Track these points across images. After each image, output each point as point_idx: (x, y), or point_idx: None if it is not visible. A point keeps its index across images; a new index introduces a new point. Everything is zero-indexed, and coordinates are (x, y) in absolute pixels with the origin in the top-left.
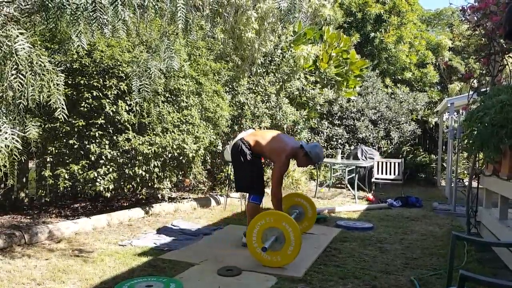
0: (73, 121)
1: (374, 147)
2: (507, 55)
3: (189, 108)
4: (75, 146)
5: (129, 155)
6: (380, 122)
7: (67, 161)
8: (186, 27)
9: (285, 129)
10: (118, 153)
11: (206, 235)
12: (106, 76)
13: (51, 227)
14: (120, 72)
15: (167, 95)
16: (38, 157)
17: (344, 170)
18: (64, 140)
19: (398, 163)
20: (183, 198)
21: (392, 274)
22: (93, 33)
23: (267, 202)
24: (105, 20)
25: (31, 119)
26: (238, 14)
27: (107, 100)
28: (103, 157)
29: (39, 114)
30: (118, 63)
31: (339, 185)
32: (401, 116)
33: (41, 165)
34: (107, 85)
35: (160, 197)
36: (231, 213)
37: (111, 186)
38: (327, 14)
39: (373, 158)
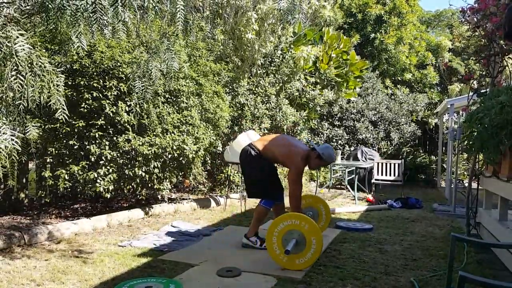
0: (73, 122)
1: (374, 148)
2: (507, 56)
3: (189, 109)
4: (75, 147)
5: (129, 156)
6: (380, 123)
7: (67, 162)
8: (186, 28)
9: (285, 130)
10: (118, 154)
11: (205, 236)
12: (106, 77)
13: (50, 227)
14: (120, 73)
15: (167, 96)
16: (38, 157)
17: (344, 171)
18: (64, 141)
19: (398, 164)
20: (183, 199)
21: (392, 275)
22: (93, 34)
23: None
24: (105, 21)
25: (31, 120)
26: (238, 15)
27: (107, 101)
28: (103, 157)
29: (39, 115)
30: (118, 64)
31: (339, 186)
32: (401, 117)
33: (41, 165)
34: (107, 86)
35: (160, 198)
36: (231, 214)
37: (111, 187)
38: (327, 15)
39: (373, 159)
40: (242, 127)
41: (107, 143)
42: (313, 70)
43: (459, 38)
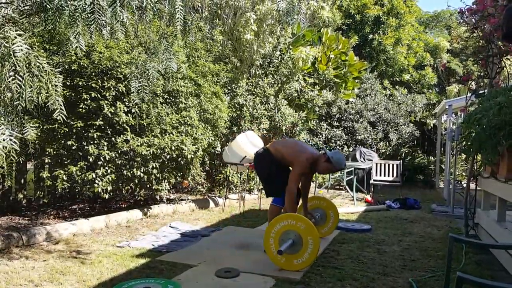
0: (72, 123)
1: (373, 149)
2: (505, 57)
3: (187, 109)
4: (74, 147)
5: (127, 157)
6: (378, 123)
7: (65, 162)
8: (185, 28)
9: (283, 131)
10: (117, 155)
11: (204, 236)
12: (105, 78)
13: (49, 228)
14: (118, 73)
15: (165, 96)
16: (36, 158)
17: (342, 172)
18: (63, 141)
19: (397, 164)
20: (182, 200)
21: (390, 276)
22: (92, 35)
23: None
24: (103, 22)
25: (29, 120)
26: (237, 16)
27: (106, 102)
28: (101, 158)
29: (37, 116)
30: (117, 64)
31: (338, 187)
32: (399, 118)
33: (39, 166)
34: (106, 87)
35: (158, 198)
36: (230, 215)
37: (109, 188)
38: (325, 16)
39: (372, 160)
40: (240, 127)
41: (105, 143)
42: (311, 71)
43: (457, 39)
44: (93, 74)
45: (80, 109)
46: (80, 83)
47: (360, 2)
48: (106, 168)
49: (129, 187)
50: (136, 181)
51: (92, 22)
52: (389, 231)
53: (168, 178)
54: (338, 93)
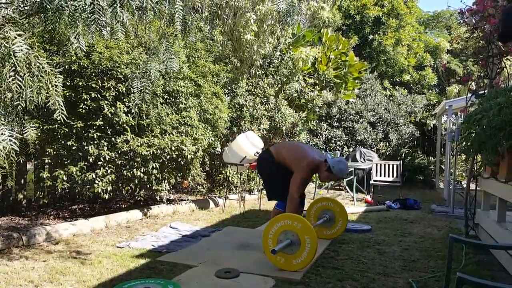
0: (72, 123)
1: (373, 149)
2: (505, 58)
3: (187, 109)
4: (73, 148)
5: (127, 157)
6: (378, 124)
7: (65, 163)
8: (185, 29)
9: (284, 131)
10: (117, 155)
11: (204, 237)
12: (105, 78)
13: (49, 228)
14: (118, 73)
15: (165, 96)
16: (36, 158)
17: None
18: (63, 142)
19: (397, 165)
20: (182, 200)
21: (390, 276)
22: (92, 35)
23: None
24: (103, 22)
25: (29, 120)
26: (237, 16)
27: (106, 102)
28: (101, 158)
29: (37, 116)
30: (117, 64)
31: (338, 187)
32: (399, 118)
33: (39, 166)
34: (106, 87)
35: (158, 199)
36: (230, 215)
37: (109, 188)
38: (325, 17)
39: (372, 160)
40: (241, 128)
41: (105, 143)
42: (312, 71)
43: (457, 40)
44: (93, 74)
45: (80, 109)
46: (80, 83)
47: (360, 2)
48: (106, 168)
49: (129, 188)
50: (136, 182)
51: (92, 23)
52: (389, 232)
53: (168, 178)
54: (338, 94)
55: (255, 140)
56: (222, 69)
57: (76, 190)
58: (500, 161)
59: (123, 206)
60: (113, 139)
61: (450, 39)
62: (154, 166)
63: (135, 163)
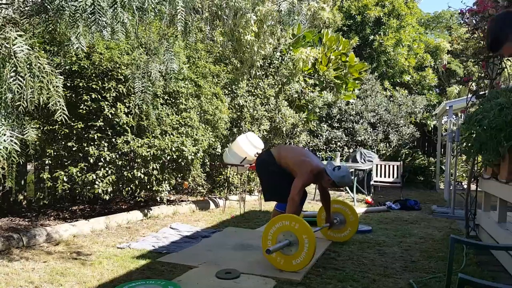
0: (72, 124)
1: (373, 150)
2: (506, 58)
3: (188, 110)
4: (74, 149)
5: (127, 158)
6: (379, 125)
7: (66, 164)
8: (186, 29)
9: (284, 132)
10: (117, 156)
11: (204, 237)
12: (105, 79)
13: (49, 229)
14: (119, 74)
15: (166, 97)
16: (37, 159)
17: None
18: (63, 143)
19: (397, 166)
20: (182, 201)
21: (390, 277)
22: (93, 35)
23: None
24: (104, 22)
25: (29, 121)
26: (237, 17)
27: (106, 103)
28: (101, 159)
29: (38, 117)
30: (117, 65)
31: (338, 188)
32: (399, 119)
33: (39, 167)
34: (106, 88)
35: (158, 199)
36: (230, 216)
37: (109, 189)
38: (326, 17)
39: (372, 161)
40: (241, 128)
41: (105, 144)
42: (312, 72)
43: (457, 40)
44: (94, 75)
45: (80, 110)
46: (81, 84)
47: (360, 3)
48: (107, 169)
49: (129, 188)
50: (137, 182)
51: (92, 23)
52: (389, 232)
53: (169, 179)
54: (339, 94)
55: (256, 141)
56: (222, 70)
57: (77, 191)
58: (500, 162)
59: (124, 207)
60: (113, 140)
61: (451, 40)
62: (155, 167)
63: (136, 164)
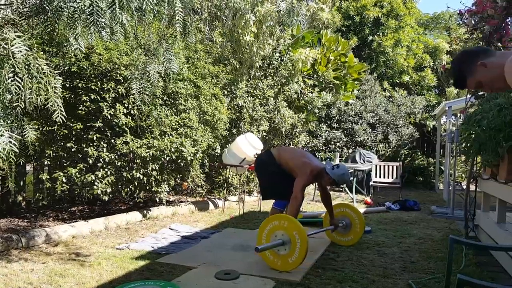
0: (71, 124)
1: (372, 151)
2: None
3: (187, 111)
4: (73, 149)
5: (127, 158)
6: (378, 125)
7: (65, 164)
8: (185, 30)
9: (283, 133)
10: (116, 156)
11: (204, 238)
12: (104, 79)
13: (48, 230)
14: (118, 75)
15: (165, 98)
16: (36, 160)
17: None
18: (62, 143)
19: (396, 166)
20: (181, 202)
21: (390, 278)
22: (91, 36)
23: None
24: (102, 23)
25: (28, 122)
26: (237, 18)
27: (105, 103)
28: (100, 160)
29: (37, 117)
30: (116, 66)
31: (337, 189)
32: (399, 120)
33: (38, 168)
34: (105, 88)
35: (158, 200)
36: (229, 217)
37: (108, 190)
38: (325, 18)
39: (371, 162)
40: (240, 129)
41: (105, 145)
42: (311, 73)
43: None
44: (93, 76)
45: (79, 111)
46: (80, 85)
47: (359, 3)
48: (106, 170)
49: (128, 189)
50: (136, 183)
51: (91, 24)
52: (388, 233)
53: (168, 180)
54: (338, 95)
55: (255, 141)
56: (221, 71)
57: (76, 192)
58: (500, 162)
59: (123, 207)
60: (112, 140)
61: (450, 40)
62: (154, 168)
63: (135, 165)
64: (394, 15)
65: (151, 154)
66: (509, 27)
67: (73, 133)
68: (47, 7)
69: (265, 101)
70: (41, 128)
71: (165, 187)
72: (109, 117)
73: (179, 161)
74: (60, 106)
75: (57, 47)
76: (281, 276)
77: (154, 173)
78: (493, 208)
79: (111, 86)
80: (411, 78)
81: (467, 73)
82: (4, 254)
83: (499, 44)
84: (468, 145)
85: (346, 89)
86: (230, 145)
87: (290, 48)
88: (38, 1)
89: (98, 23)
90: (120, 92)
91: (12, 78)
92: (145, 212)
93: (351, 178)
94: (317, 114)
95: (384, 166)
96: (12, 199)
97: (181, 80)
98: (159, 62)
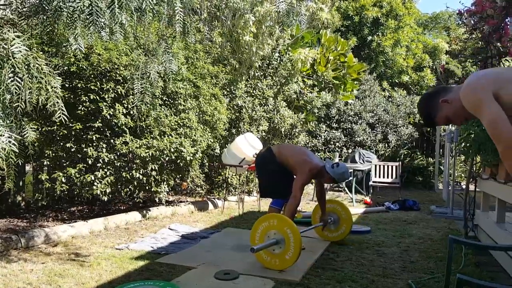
0: (70, 125)
1: (372, 151)
2: (504, 59)
3: (186, 111)
4: (72, 150)
5: (126, 159)
6: (377, 125)
7: (64, 165)
8: (184, 30)
9: (282, 133)
10: (115, 157)
11: (203, 238)
12: (104, 79)
13: (47, 230)
14: (117, 75)
15: (164, 98)
16: (35, 160)
17: None
18: (61, 144)
19: (396, 166)
20: (181, 202)
21: (389, 278)
22: (91, 36)
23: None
24: (102, 23)
25: (28, 122)
26: (236, 18)
27: (105, 104)
28: (100, 160)
29: (36, 117)
30: (116, 66)
31: (337, 189)
32: (398, 120)
33: (38, 168)
34: (105, 88)
35: (157, 200)
36: (229, 217)
37: (108, 190)
38: (324, 18)
39: (371, 162)
40: (240, 129)
41: (104, 145)
42: (310, 73)
43: (456, 41)
44: (92, 76)
45: (79, 111)
46: (79, 85)
47: (358, 3)
48: (105, 170)
49: (128, 189)
50: (135, 183)
51: (90, 24)
52: (388, 233)
53: (167, 180)
54: (337, 95)
55: (254, 141)
56: (221, 71)
57: (75, 192)
58: (499, 162)
59: (122, 208)
60: (112, 141)
61: (449, 40)
62: (153, 168)
63: (134, 165)
64: (394, 15)
65: (150, 154)
66: (508, 27)
67: (73, 133)
68: (46, 7)
69: (264, 101)
70: (40, 128)
71: (164, 187)
72: (108, 117)
73: (179, 161)
74: (61, 106)
75: (56, 47)
76: (280, 276)
77: (154, 173)
78: (493, 208)
79: (110, 86)
80: (410, 78)
81: (433, 112)
82: (3, 255)
83: (498, 44)
84: (468, 145)
85: (346, 89)
86: (230, 145)
87: (289, 48)
88: (37, 1)
89: (97, 23)
90: (119, 92)
91: (12, 78)
92: (144, 212)
93: (351, 178)
94: (317, 114)
95: (384, 166)
96: (11, 199)
97: (180, 80)
98: (159, 62)
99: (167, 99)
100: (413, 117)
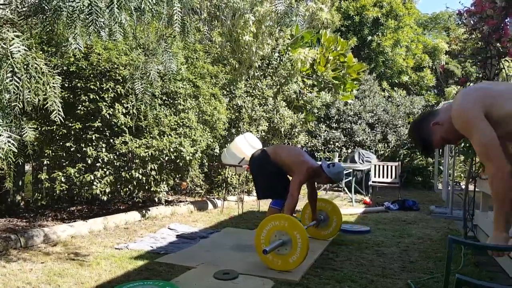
0: (70, 124)
1: (371, 150)
2: (504, 59)
3: (186, 111)
4: (72, 149)
5: (125, 158)
6: (377, 125)
7: (64, 164)
8: (184, 30)
9: (282, 132)
10: (115, 156)
11: (203, 238)
12: (103, 79)
13: (47, 230)
14: (117, 75)
15: (164, 98)
16: (35, 160)
17: None
18: (61, 143)
19: (395, 166)
20: (180, 201)
21: (389, 278)
22: (90, 36)
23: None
24: (101, 23)
25: (27, 122)
26: (236, 17)
27: (104, 103)
28: (99, 160)
29: (35, 117)
30: (115, 66)
31: (336, 188)
32: (398, 120)
33: (37, 168)
34: (104, 88)
35: (157, 200)
36: (228, 217)
37: (107, 189)
38: (324, 18)
39: (370, 162)
40: (239, 129)
41: (103, 145)
42: (310, 73)
43: (455, 41)
44: (92, 75)
45: (78, 111)
46: (79, 84)
47: (359, 3)
48: (105, 169)
49: (127, 189)
50: (135, 183)
51: (90, 23)
52: (387, 233)
53: (167, 179)
54: (337, 95)
55: (254, 141)
56: (220, 71)
57: (75, 192)
58: None
59: (122, 207)
60: (111, 140)
61: (449, 40)
62: (153, 168)
63: (134, 165)
64: (394, 15)
65: (150, 154)
66: (508, 27)
67: (72, 133)
68: (46, 7)
69: (264, 101)
70: (40, 128)
71: (164, 187)
72: (108, 117)
73: (178, 161)
74: (59, 106)
75: (56, 46)
76: (280, 276)
77: (153, 173)
78: (492, 208)
79: (110, 86)
80: (410, 78)
81: (428, 137)
82: (2, 254)
83: (498, 44)
84: (467, 145)
85: (345, 89)
86: (229, 145)
87: (289, 48)
88: (37, 1)
89: (97, 22)
90: (119, 92)
91: (11, 78)
92: (144, 212)
93: (350, 178)
94: (316, 114)
95: (383, 166)
96: (11, 199)
97: (180, 80)
98: (158, 62)
99: (166, 98)
100: (412, 117)
